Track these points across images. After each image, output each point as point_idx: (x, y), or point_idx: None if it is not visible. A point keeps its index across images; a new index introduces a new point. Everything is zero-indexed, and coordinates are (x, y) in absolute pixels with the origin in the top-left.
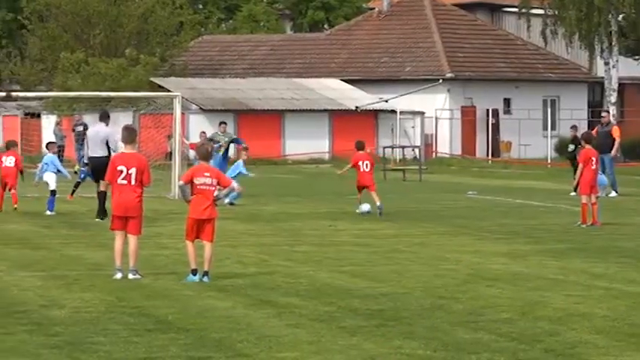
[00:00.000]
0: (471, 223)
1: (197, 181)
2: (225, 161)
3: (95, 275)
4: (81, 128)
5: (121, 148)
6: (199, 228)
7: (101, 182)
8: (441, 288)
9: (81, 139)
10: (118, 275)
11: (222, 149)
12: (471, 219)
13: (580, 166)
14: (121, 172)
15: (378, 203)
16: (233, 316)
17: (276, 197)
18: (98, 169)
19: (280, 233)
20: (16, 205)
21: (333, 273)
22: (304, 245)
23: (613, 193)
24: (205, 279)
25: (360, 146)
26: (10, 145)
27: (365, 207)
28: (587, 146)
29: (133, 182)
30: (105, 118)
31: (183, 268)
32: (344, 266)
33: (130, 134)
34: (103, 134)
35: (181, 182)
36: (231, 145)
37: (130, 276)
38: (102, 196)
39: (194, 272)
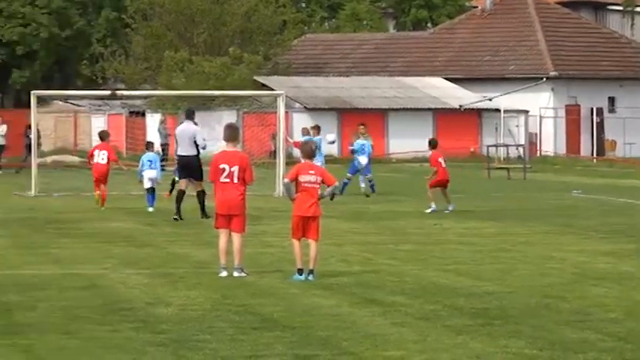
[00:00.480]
0: (575, 222)
1: (302, 178)
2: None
3: (201, 273)
4: None
5: (222, 146)
6: (305, 226)
7: (182, 181)
8: (547, 287)
9: None
10: (223, 273)
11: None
12: (575, 218)
13: None
14: (224, 170)
15: (450, 206)
16: (338, 314)
17: (380, 196)
18: (187, 167)
19: (385, 232)
20: (102, 207)
21: (438, 272)
22: (409, 244)
23: None
24: (310, 277)
25: (434, 144)
26: (103, 137)
27: (433, 205)
28: None
29: (235, 180)
30: (191, 115)
31: (288, 266)
32: (449, 265)
33: (232, 132)
34: (190, 132)
35: (286, 180)
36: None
37: (235, 274)
38: (202, 196)
39: (300, 272)
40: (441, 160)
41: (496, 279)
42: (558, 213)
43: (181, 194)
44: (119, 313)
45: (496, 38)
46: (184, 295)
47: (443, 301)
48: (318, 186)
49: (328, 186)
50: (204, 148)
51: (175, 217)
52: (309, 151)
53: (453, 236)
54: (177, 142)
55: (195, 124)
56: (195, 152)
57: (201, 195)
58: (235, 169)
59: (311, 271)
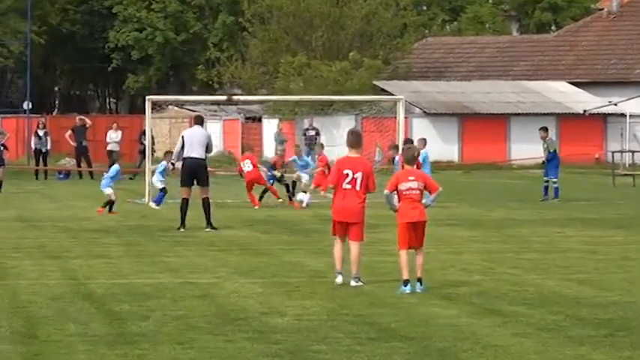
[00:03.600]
0: None
1: (402, 186)
2: None
3: (316, 282)
4: (312, 132)
5: (348, 152)
6: (412, 234)
7: (183, 189)
8: None
9: (312, 144)
10: (339, 279)
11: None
12: None
13: None
14: (347, 175)
15: None
16: (457, 324)
17: (501, 203)
18: (195, 170)
19: (506, 240)
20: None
21: (561, 281)
22: (531, 252)
23: None
24: (419, 287)
25: None
26: (245, 149)
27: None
28: None
29: (358, 187)
30: (201, 122)
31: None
32: (572, 274)
33: (356, 138)
34: (202, 135)
35: (386, 191)
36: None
37: (353, 283)
38: (207, 204)
39: (406, 283)
40: None
41: (620, 289)
42: None
43: (185, 203)
44: (233, 323)
45: (622, 41)
46: (299, 305)
47: (565, 311)
48: (419, 192)
49: (431, 193)
50: (210, 152)
51: (180, 227)
52: (410, 156)
53: (576, 244)
54: (185, 145)
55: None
56: (204, 156)
57: (206, 203)
58: (359, 175)
59: (419, 280)
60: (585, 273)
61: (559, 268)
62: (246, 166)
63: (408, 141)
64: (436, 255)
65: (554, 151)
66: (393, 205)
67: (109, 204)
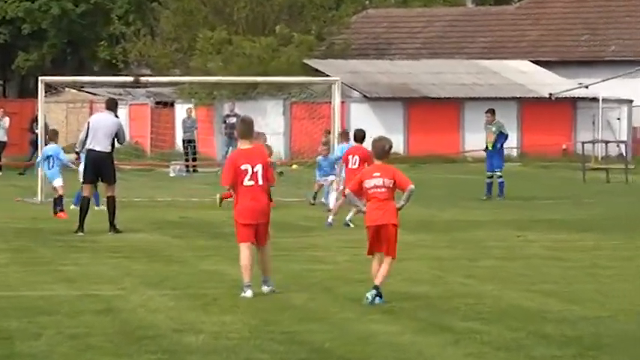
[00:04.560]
0: None
1: (367, 184)
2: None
3: (238, 294)
4: (234, 120)
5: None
6: (375, 239)
7: (85, 186)
8: None
9: (233, 132)
10: (249, 293)
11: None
12: None
13: None
14: (246, 171)
15: None
16: (400, 343)
17: (453, 202)
18: (98, 165)
19: (458, 245)
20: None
21: (522, 292)
22: (488, 259)
23: None
24: (371, 297)
25: None
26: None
27: None
28: None
29: (261, 182)
30: (113, 107)
31: (342, 286)
32: (534, 284)
33: (246, 127)
34: (110, 124)
35: (347, 190)
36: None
37: (265, 288)
38: (112, 203)
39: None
40: None
41: (590, 301)
42: None
43: (87, 202)
44: (139, 342)
45: (595, 13)
46: (218, 321)
47: (527, 327)
48: (386, 190)
49: (403, 190)
50: (121, 144)
51: (78, 231)
52: (380, 150)
53: (540, 250)
54: (89, 134)
55: (117, 116)
56: (110, 149)
57: (111, 202)
58: (259, 168)
59: (375, 288)
60: (550, 283)
61: (520, 277)
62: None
63: (345, 133)
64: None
65: (503, 135)
66: (357, 205)
67: (59, 200)
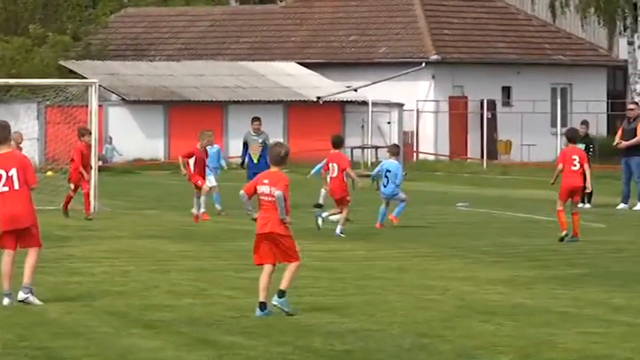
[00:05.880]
0: (461, 242)
1: (259, 189)
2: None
3: None
4: None
5: None
6: (269, 247)
7: None
8: (424, 324)
9: None
10: (6, 301)
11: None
12: (461, 237)
13: (559, 166)
14: (0, 177)
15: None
16: (162, 358)
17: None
18: None
19: (222, 255)
20: None
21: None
22: (253, 270)
23: (639, 206)
24: (278, 302)
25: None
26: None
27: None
28: (570, 145)
29: (16, 186)
30: None
31: (100, 298)
32: (302, 296)
33: (2, 130)
34: None
35: (241, 192)
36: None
37: (22, 295)
38: None
39: (262, 306)
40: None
41: (361, 314)
42: (440, 231)
43: None
44: None
45: (364, 13)
46: None
47: (294, 341)
48: (273, 199)
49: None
50: None
51: None
52: (275, 156)
53: (308, 260)
54: None
55: None
56: None
57: None
58: (14, 172)
59: (282, 294)
60: (319, 295)
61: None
62: None
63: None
64: (136, 274)
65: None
66: (248, 210)
67: None
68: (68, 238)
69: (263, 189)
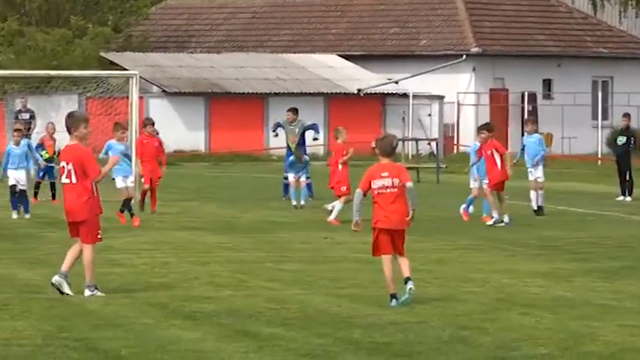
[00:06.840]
0: (501, 235)
1: (374, 184)
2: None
3: (30, 299)
4: (27, 116)
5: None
6: (394, 240)
7: None
8: (464, 316)
9: (27, 129)
10: (86, 293)
11: (294, 144)
12: (501, 230)
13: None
14: (63, 169)
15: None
16: (202, 350)
17: (257, 202)
18: None
19: (263, 247)
20: None
21: (329, 297)
22: (293, 262)
23: None
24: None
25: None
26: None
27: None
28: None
29: (74, 180)
30: None
31: (139, 290)
32: (343, 288)
33: (67, 121)
34: None
35: (358, 190)
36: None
37: (87, 292)
38: None
39: (392, 297)
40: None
41: (401, 306)
42: (480, 224)
43: None
44: None
45: (403, 6)
46: (9, 327)
47: (334, 333)
48: (396, 190)
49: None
50: None
51: None
52: (387, 147)
53: (348, 252)
54: None
55: None
56: None
57: None
58: (71, 166)
59: (408, 279)
60: (359, 287)
61: (327, 281)
62: None
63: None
64: (177, 265)
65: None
66: (357, 214)
67: None
68: (108, 230)
69: (383, 182)
